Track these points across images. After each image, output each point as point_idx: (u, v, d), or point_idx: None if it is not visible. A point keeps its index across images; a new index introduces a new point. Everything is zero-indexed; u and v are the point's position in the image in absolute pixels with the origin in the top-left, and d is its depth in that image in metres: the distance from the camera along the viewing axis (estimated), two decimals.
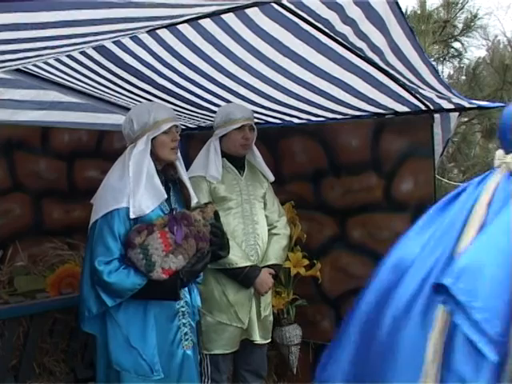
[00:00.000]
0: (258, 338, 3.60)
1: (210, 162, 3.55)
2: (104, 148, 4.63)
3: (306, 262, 4.00)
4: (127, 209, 2.76)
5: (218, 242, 2.98)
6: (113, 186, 2.85)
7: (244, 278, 3.48)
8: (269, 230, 3.69)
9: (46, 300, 3.70)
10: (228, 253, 3.16)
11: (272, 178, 3.81)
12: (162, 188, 2.85)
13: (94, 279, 2.73)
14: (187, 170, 3.58)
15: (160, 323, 2.85)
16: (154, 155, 2.89)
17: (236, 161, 3.65)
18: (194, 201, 3.11)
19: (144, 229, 2.72)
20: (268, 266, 3.58)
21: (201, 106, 3.87)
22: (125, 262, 2.72)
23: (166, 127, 2.89)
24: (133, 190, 2.77)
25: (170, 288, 2.77)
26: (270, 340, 3.75)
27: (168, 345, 2.88)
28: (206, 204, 3.06)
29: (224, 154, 3.60)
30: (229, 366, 3.73)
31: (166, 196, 2.87)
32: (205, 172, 3.53)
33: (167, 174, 2.97)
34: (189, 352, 2.95)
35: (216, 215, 3.03)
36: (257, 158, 3.77)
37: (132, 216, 2.75)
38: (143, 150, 2.85)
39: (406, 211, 3.86)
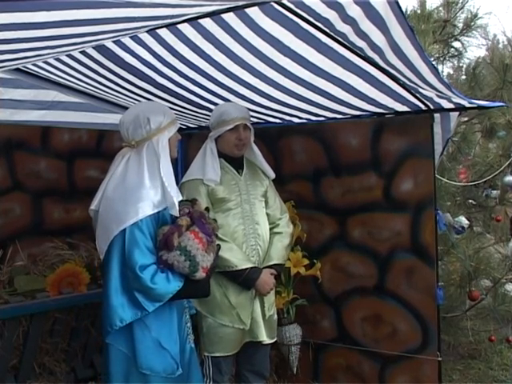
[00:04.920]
0: (265, 338, 3.59)
1: (207, 164, 3.52)
2: (104, 148, 4.63)
3: (306, 261, 4.00)
4: (154, 214, 2.75)
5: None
6: (132, 189, 2.77)
7: (244, 280, 3.46)
8: (271, 228, 3.68)
9: (46, 300, 3.70)
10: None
11: (273, 175, 3.79)
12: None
13: (135, 286, 2.68)
14: (185, 171, 3.59)
15: (178, 321, 2.89)
16: None
17: (234, 160, 3.63)
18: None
19: (174, 230, 2.71)
20: (270, 266, 3.57)
21: (201, 105, 3.87)
22: (158, 266, 2.71)
23: (176, 128, 2.96)
24: (169, 186, 2.76)
25: (205, 285, 2.83)
26: (275, 339, 3.74)
27: (182, 341, 2.91)
28: (190, 201, 3.03)
29: (221, 155, 3.58)
30: (231, 367, 3.73)
31: (181, 197, 2.89)
32: (202, 175, 3.51)
33: None
34: (193, 345, 3.01)
35: (208, 211, 3.05)
36: (257, 156, 3.75)
37: (176, 213, 2.77)
38: (165, 147, 2.85)
39: (405, 211, 3.87)
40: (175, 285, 2.71)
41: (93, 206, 2.90)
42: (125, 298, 2.70)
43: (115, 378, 2.81)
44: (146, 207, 2.73)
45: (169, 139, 2.90)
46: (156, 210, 2.75)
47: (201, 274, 2.71)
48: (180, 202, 2.86)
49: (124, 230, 2.71)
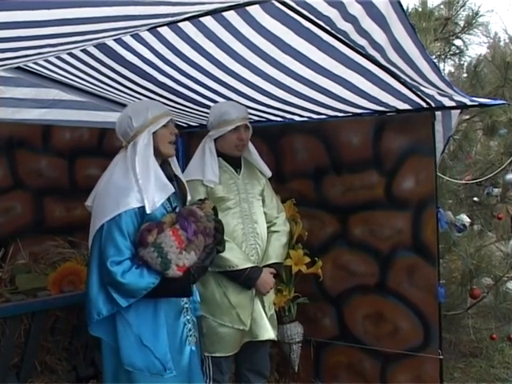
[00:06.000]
0: (271, 335, 3.58)
1: (206, 165, 3.51)
2: (105, 146, 4.64)
3: (308, 259, 4.00)
4: (134, 209, 2.75)
5: (220, 237, 3.00)
6: (118, 186, 2.81)
7: (245, 279, 3.46)
8: (268, 227, 3.67)
9: (47, 298, 3.70)
10: (224, 248, 3.15)
11: (269, 174, 3.79)
12: (168, 181, 2.86)
13: (106, 281, 2.71)
14: (183, 170, 3.58)
15: (169, 321, 2.86)
16: (155, 150, 2.90)
17: (232, 160, 3.62)
18: (189, 197, 3.13)
19: (154, 227, 2.71)
20: (269, 265, 3.56)
21: (202, 103, 3.87)
22: (136, 262, 2.71)
23: (164, 121, 2.93)
24: (144, 186, 2.75)
25: (184, 285, 2.79)
26: (275, 337, 3.71)
27: (177, 342, 2.89)
28: (202, 200, 3.06)
29: (220, 154, 3.57)
30: (231, 366, 3.72)
31: (173, 189, 2.88)
32: (201, 175, 3.49)
33: (166, 172, 2.97)
34: (193, 348, 2.97)
35: (214, 211, 3.04)
36: (252, 154, 3.73)
37: (148, 211, 2.74)
38: (147, 144, 2.85)
39: (407, 209, 3.87)
40: (149, 281, 2.70)
41: (88, 202, 2.95)
42: (102, 292, 2.73)
43: (106, 373, 2.86)
44: (128, 202, 2.74)
45: (155, 133, 2.89)
46: (138, 205, 2.75)
47: (174, 272, 2.68)
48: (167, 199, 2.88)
49: (103, 225, 2.75)
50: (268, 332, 3.58)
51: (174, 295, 2.85)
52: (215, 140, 3.57)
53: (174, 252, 2.68)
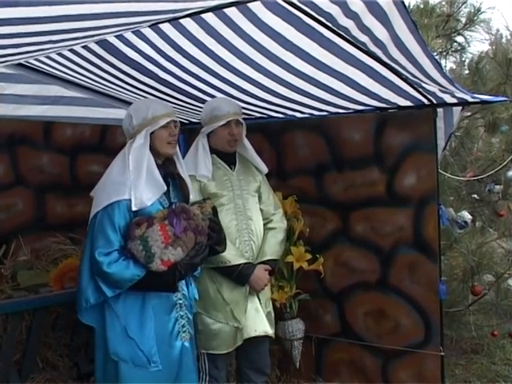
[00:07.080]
0: (268, 329, 3.55)
1: (199, 160, 3.51)
2: (107, 143, 4.64)
3: (309, 256, 4.00)
4: (128, 201, 2.80)
5: (216, 236, 3.02)
6: (114, 179, 2.88)
7: (238, 275, 3.43)
8: (265, 224, 3.65)
9: (48, 294, 3.71)
10: (225, 248, 3.15)
11: (265, 170, 3.77)
12: (161, 180, 2.89)
13: (94, 270, 2.77)
14: None
15: (158, 315, 2.88)
16: (154, 150, 2.93)
17: (227, 156, 3.61)
18: (192, 196, 3.13)
19: (144, 221, 2.76)
20: (264, 262, 3.55)
21: (203, 100, 3.86)
22: (124, 254, 2.76)
23: (163, 122, 2.94)
24: (134, 183, 2.81)
25: (168, 280, 2.81)
26: (273, 334, 3.71)
27: (166, 336, 2.90)
28: (204, 200, 3.09)
29: (213, 150, 3.56)
30: (227, 363, 3.71)
31: (165, 188, 2.91)
32: (194, 171, 3.48)
33: (167, 170, 3.00)
34: (186, 344, 2.98)
35: (214, 211, 3.05)
36: (248, 150, 3.71)
37: (134, 208, 2.79)
38: (143, 143, 2.89)
39: (408, 206, 3.87)
40: (134, 273, 2.75)
41: (92, 193, 2.99)
42: (92, 281, 2.79)
43: (97, 362, 2.91)
44: (119, 194, 2.80)
45: (153, 133, 2.92)
46: (125, 198, 2.80)
47: (158, 266, 2.72)
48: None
49: (96, 215, 2.82)
50: (264, 326, 3.55)
51: (158, 289, 2.87)
52: (208, 136, 3.57)
53: (159, 246, 2.72)
